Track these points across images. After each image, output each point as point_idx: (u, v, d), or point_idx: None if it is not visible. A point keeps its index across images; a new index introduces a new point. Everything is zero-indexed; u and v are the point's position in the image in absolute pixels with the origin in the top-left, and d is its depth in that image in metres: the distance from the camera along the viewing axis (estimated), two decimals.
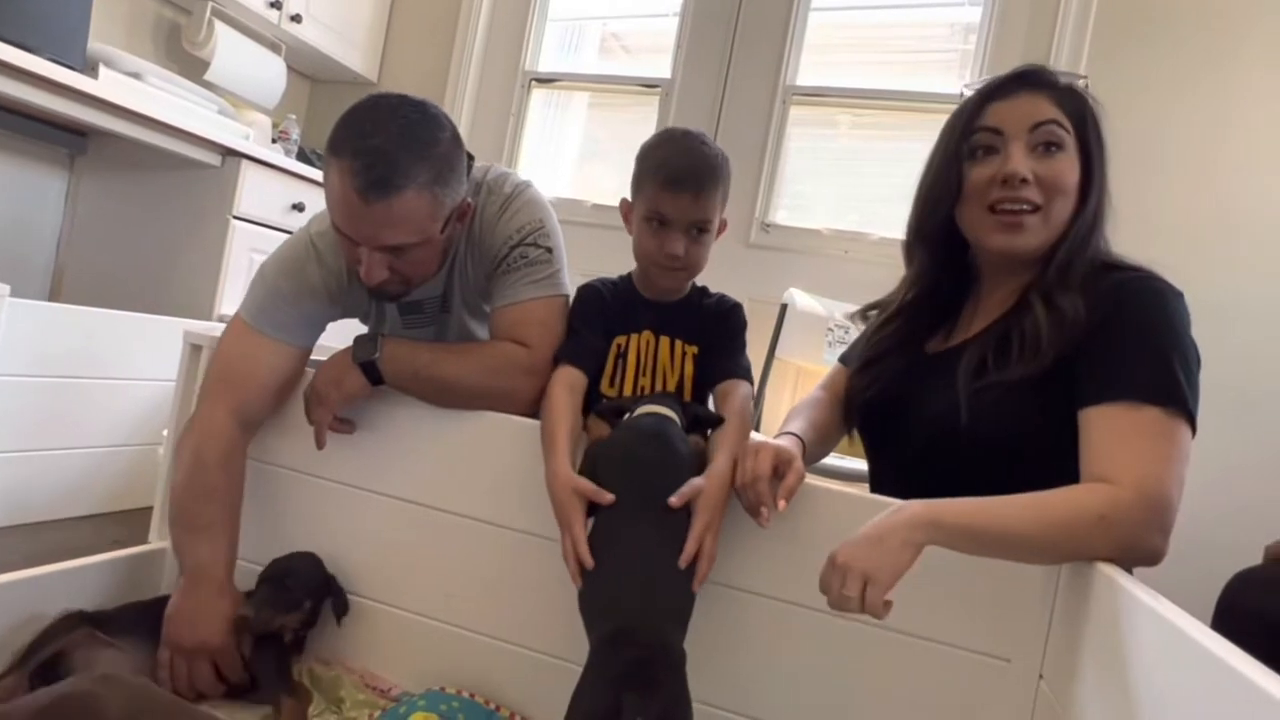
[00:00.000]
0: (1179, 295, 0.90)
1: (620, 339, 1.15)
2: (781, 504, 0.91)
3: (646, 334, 1.15)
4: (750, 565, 0.98)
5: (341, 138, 0.99)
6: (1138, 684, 0.63)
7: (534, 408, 1.12)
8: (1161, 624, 0.60)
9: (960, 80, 2.48)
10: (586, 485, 0.93)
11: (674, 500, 0.89)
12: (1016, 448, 0.88)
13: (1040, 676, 0.87)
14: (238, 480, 1.12)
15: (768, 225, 2.60)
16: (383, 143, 0.97)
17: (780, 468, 0.93)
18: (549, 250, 1.16)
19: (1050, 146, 0.93)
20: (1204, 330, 0.89)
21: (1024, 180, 0.92)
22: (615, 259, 1.20)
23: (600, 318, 1.15)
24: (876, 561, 0.74)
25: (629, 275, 1.19)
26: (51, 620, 0.98)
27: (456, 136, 1.06)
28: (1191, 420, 0.82)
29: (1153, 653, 0.62)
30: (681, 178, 1.05)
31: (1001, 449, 0.88)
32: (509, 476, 1.09)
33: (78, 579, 1.09)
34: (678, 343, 1.15)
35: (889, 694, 0.93)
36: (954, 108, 1.03)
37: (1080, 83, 0.97)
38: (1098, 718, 0.70)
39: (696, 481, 0.92)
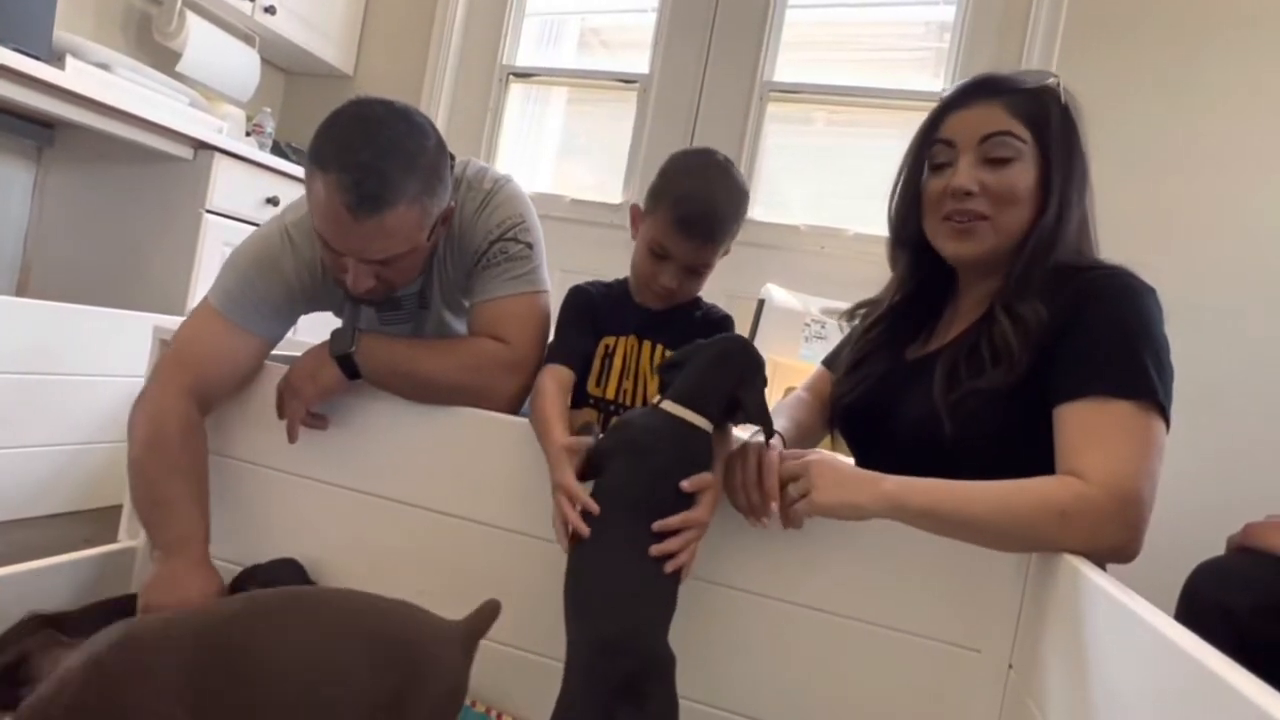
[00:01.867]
0: (1151, 291, 0.91)
1: (609, 339, 1.14)
2: (774, 506, 0.91)
3: (632, 337, 1.14)
4: (723, 557, 0.98)
5: (328, 150, 0.97)
6: (1102, 673, 0.64)
7: (513, 404, 1.12)
8: (1123, 613, 0.61)
9: (935, 77, 2.50)
10: (584, 443, 0.93)
11: (686, 485, 0.87)
12: (999, 454, 0.88)
13: (1010, 666, 0.88)
14: (199, 453, 1.09)
15: (745, 221, 2.60)
16: (372, 158, 0.95)
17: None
18: (529, 245, 1.16)
19: (1000, 160, 0.94)
20: (1175, 327, 0.90)
21: (969, 193, 0.95)
22: (592, 254, 1.21)
23: (589, 319, 1.14)
24: (834, 494, 0.83)
25: (624, 280, 1.18)
26: (13, 624, 0.96)
27: (441, 143, 1.05)
28: (1165, 414, 0.83)
29: (1115, 642, 0.63)
30: (694, 223, 1.03)
31: (985, 456, 0.89)
32: (487, 473, 1.08)
33: (46, 578, 1.07)
34: (659, 348, 1.14)
35: (860, 684, 0.94)
36: (929, 105, 1.04)
37: (1051, 81, 0.97)
38: (1065, 706, 0.71)
39: (708, 476, 0.89)
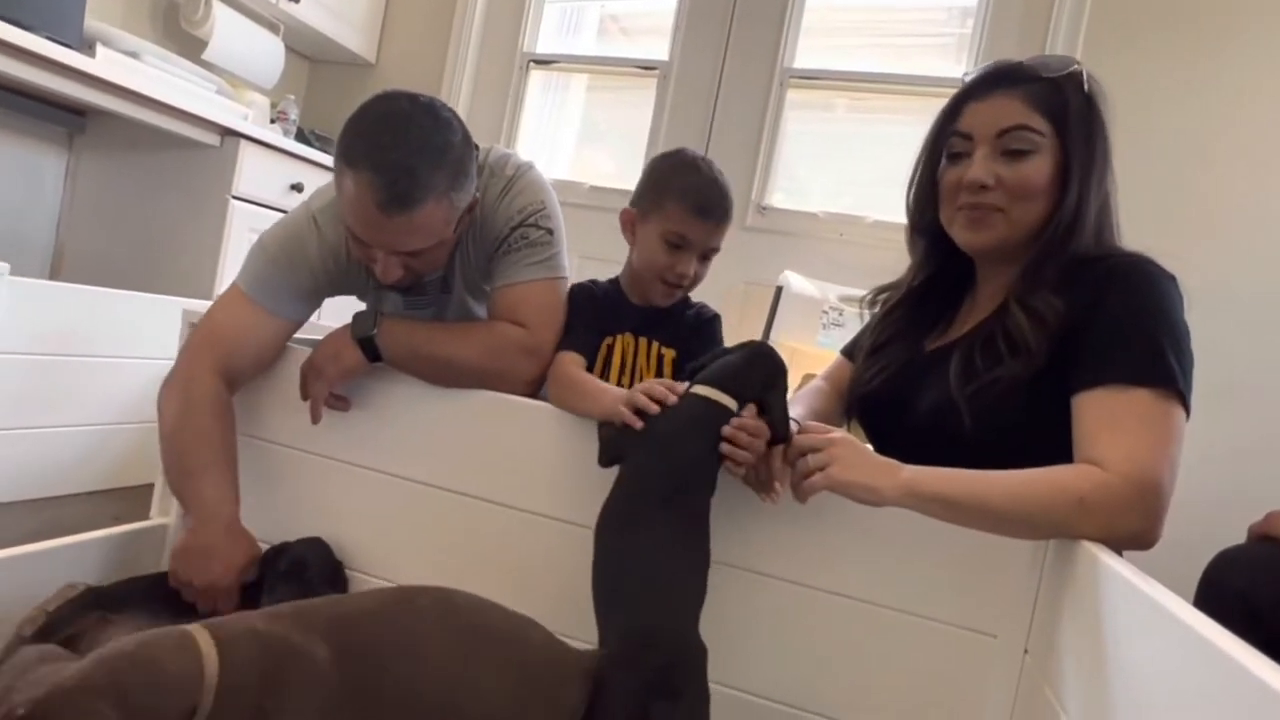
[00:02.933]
0: (1171, 278, 0.89)
1: (608, 338, 1.17)
2: (778, 486, 0.91)
3: (629, 335, 1.17)
4: (743, 542, 0.98)
5: (358, 148, 0.98)
6: (1119, 658, 0.64)
7: (530, 388, 1.12)
8: (1142, 599, 0.61)
9: (956, 63, 2.47)
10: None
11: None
12: (1017, 445, 0.87)
13: (1025, 651, 0.87)
14: (228, 424, 1.11)
15: (764, 208, 2.59)
16: (402, 157, 0.97)
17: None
18: (549, 232, 1.16)
19: (1016, 152, 0.93)
20: (1196, 316, 0.89)
21: (984, 186, 0.94)
22: (611, 241, 1.21)
23: (594, 314, 1.16)
24: (853, 473, 0.82)
25: (615, 280, 1.21)
26: (62, 598, 0.98)
27: (467, 137, 1.05)
28: (1184, 401, 0.82)
29: (1133, 628, 0.62)
30: (710, 207, 1.10)
31: (1002, 448, 0.87)
32: (508, 456, 1.09)
33: (79, 554, 1.09)
34: (655, 344, 1.17)
35: (876, 668, 0.94)
36: (950, 91, 1.03)
37: (1074, 68, 0.95)
38: (1080, 691, 0.71)
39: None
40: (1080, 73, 0.95)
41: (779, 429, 0.91)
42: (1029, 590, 0.87)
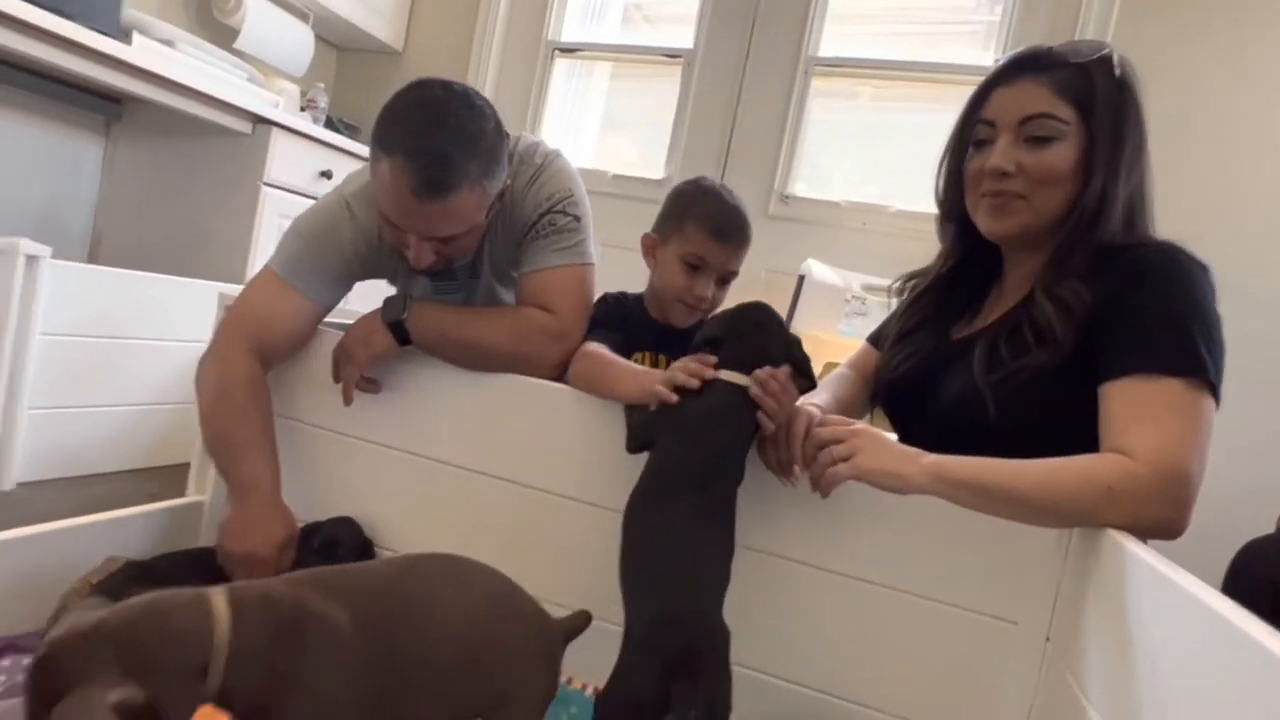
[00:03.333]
0: (1203, 267, 0.88)
1: (636, 354, 1.19)
2: (798, 470, 0.92)
3: (648, 352, 1.19)
4: (767, 526, 0.98)
5: (393, 134, 1.00)
6: (1144, 646, 0.64)
7: (556, 372, 1.13)
8: (1168, 586, 0.60)
9: (984, 51, 2.43)
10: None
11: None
12: (1043, 435, 0.86)
13: (1047, 639, 0.87)
14: (265, 402, 1.13)
15: (786, 197, 2.57)
16: (437, 144, 0.98)
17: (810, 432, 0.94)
18: (576, 219, 1.17)
19: (1039, 139, 0.92)
20: (1231, 304, 0.88)
21: (1005, 173, 0.93)
22: (634, 229, 1.21)
23: (620, 322, 1.18)
24: (879, 461, 0.82)
25: (640, 296, 1.24)
26: (104, 571, 1.01)
27: (499, 125, 1.07)
28: (1215, 391, 0.81)
29: (1159, 615, 0.62)
30: (731, 231, 1.13)
31: (1028, 437, 0.86)
32: (534, 438, 1.10)
33: (120, 529, 1.12)
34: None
35: (897, 653, 0.94)
36: (977, 79, 1.02)
37: (1104, 53, 0.93)
38: (1103, 678, 0.70)
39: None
40: (1111, 56, 0.93)
41: (808, 379, 0.96)
42: (1052, 577, 0.87)
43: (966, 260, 1.07)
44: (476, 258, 1.22)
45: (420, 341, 1.12)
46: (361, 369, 1.13)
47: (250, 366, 1.12)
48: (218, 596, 0.68)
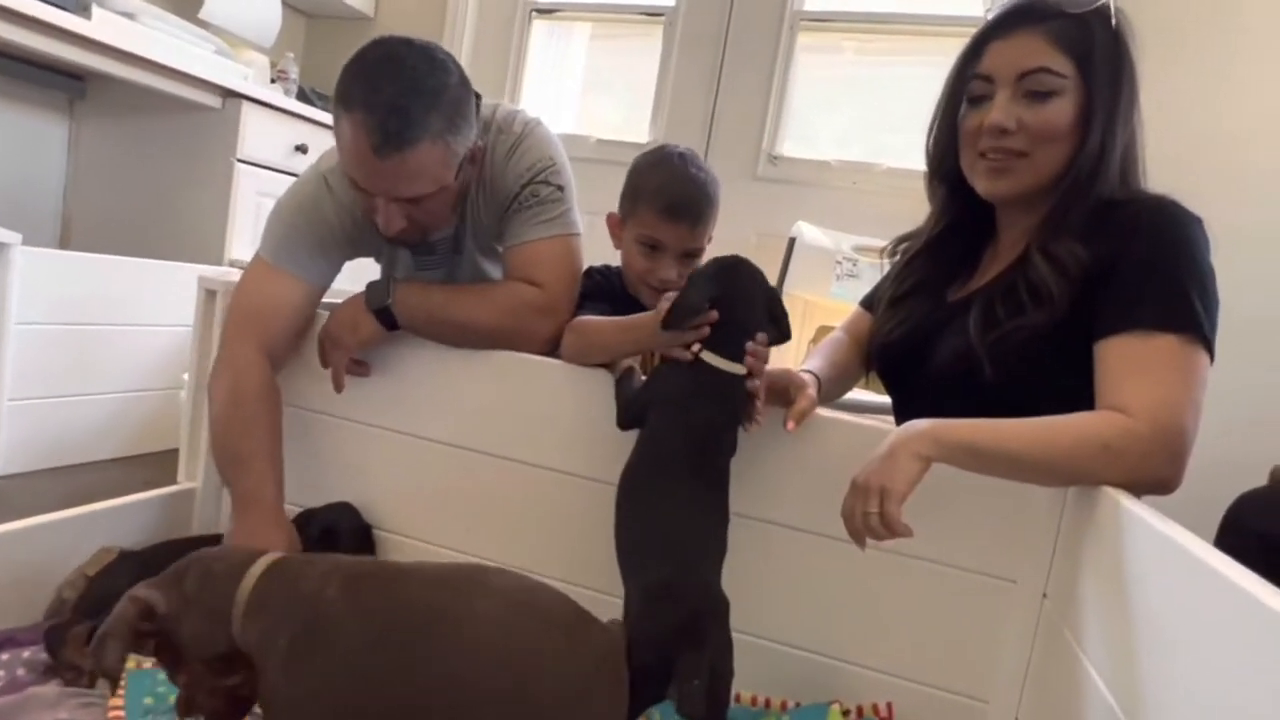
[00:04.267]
0: (1196, 220, 0.88)
1: None
2: (790, 425, 0.93)
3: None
4: (765, 494, 1.00)
5: (351, 90, 0.98)
6: (1141, 601, 0.65)
7: (546, 347, 1.13)
8: (1164, 542, 0.62)
9: (973, 1, 2.40)
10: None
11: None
12: (1039, 395, 0.86)
13: (1044, 596, 0.89)
14: (275, 411, 1.12)
15: (775, 157, 2.56)
16: (393, 96, 0.96)
17: (791, 391, 0.95)
18: (560, 189, 1.15)
19: (1038, 94, 0.91)
20: (1223, 255, 0.88)
21: (1006, 130, 0.92)
22: (618, 195, 1.18)
23: (607, 294, 1.16)
24: (889, 475, 0.78)
25: (620, 270, 1.20)
26: (99, 562, 1.01)
27: (464, 79, 1.04)
28: (1209, 346, 0.82)
29: (1155, 570, 0.64)
30: (680, 208, 1.07)
31: (1024, 398, 0.87)
32: (528, 413, 1.10)
33: (111, 518, 1.12)
34: None
35: (895, 614, 0.96)
36: (966, 30, 1.01)
37: (1101, 3, 0.92)
38: (1101, 633, 0.72)
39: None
40: (1108, 7, 0.92)
41: (783, 335, 0.96)
42: (1048, 535, 0.89)
43: (959, 221, 1.07)
44: (459, 231, 1.21)
45: (408, 324, 1.12)
46: (349, 354, 1.13)
47: (261, 372, 1.12)
48: (261, 560, 0.73)
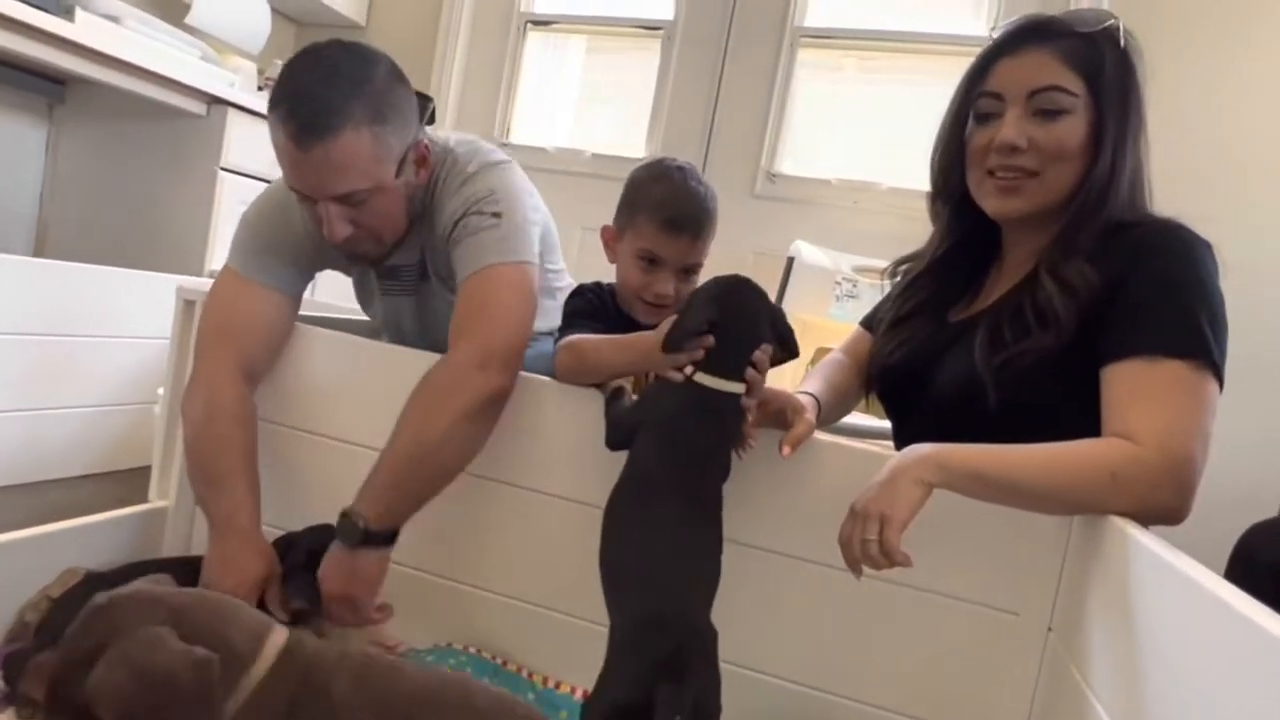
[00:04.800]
0: (1205, 244, 0.89)
1: None
2: (786, 450, 0.92)
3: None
4: (759, 520, 0.99)
5: (275, 92, 1.01)
6: (1148, 634, 0.65)
7: (503, 395, 1.04)
8: (1173, 574, 0.62)
9: (976, 19, 2.43)
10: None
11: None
12: (1044, 421, 0.87)
13: (1049, 629, 0.89)
14: (250, 429, 1.11)
15: (774, 175, 2.57)
16: (309, 86, 0.98)
17: (789, 414, 0.94)
18: (495, 215, 1.08)
19: (1049, 113, 0.92)
20: (1230, 285, 0.89)
21: (1016, 148, 0.93)
22: (613, 212, 1.18)
23: (599, 312, 1.13)
24: (889, 501, 0.77)
25: (612, 287, 1.17)
26: (63, 584, 0.99)
27: (394, 72, 1.05)
28: (1218, 373, 0.82)
29: (1164, 602, 0.63)
30: (681, 222, 1.06)
31: (1029, 424, 0.87)
32: (517, 434, 1.09)
33: (79, 538, 1.10)
34: None
35: (896, 647, 0.96)
36: (970, 49, 1.02)
37: (1109, 24, 0.94)
38: (1108, 668, 0.72)
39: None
40: (1116, 27, 0.93)
41: (789, 354, 0.94)
42: (1053, 566, 0.88)
43: (962, 241, 1.07)
44: (422, 258, 1.19)
45: (398, 523, 0.99)
46: (373, 601, 1.01)
47: (236, 389, 1.10)
48: (280, 630, 0.72)
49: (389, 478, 0.98)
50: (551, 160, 2.74)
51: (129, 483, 1.71)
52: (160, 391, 1.37)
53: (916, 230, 1.16)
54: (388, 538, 0.99)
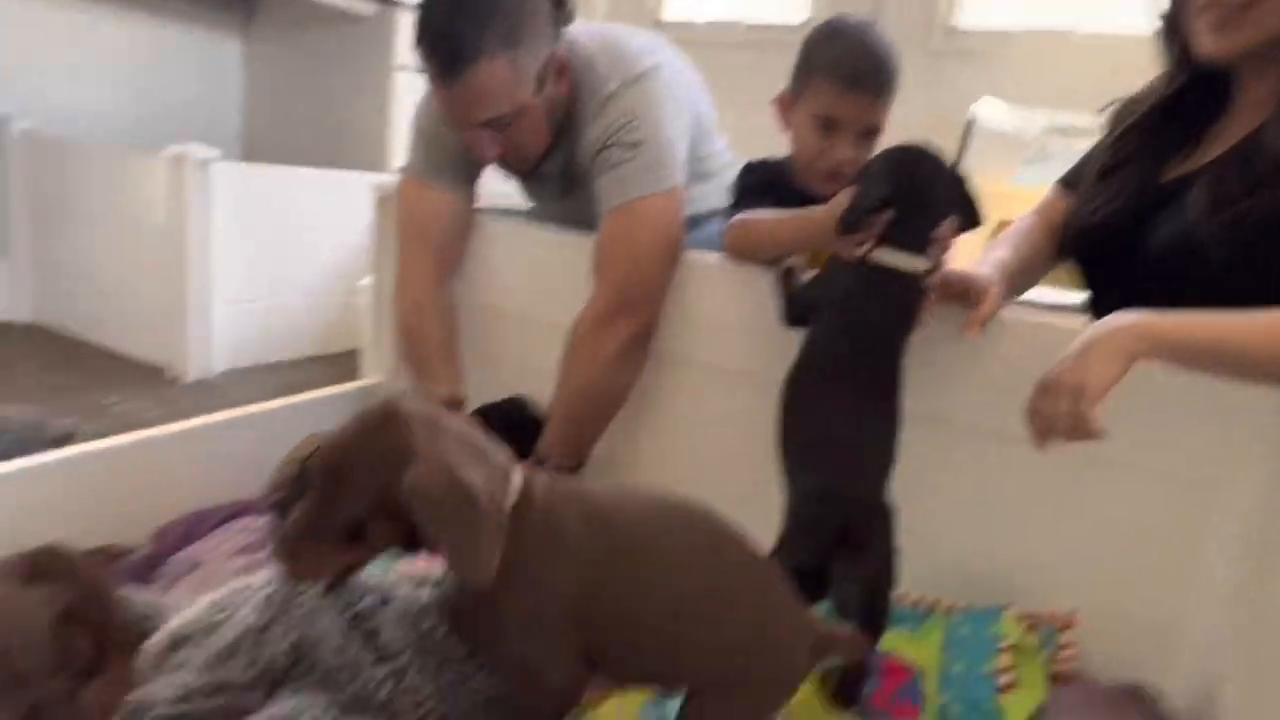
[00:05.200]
0: None
1: None
2: (971, 333, 0.90)
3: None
4: (938, 394, 0.97)
5: (416, 27, 1.04)
6: None
7: (646, 332, 1.11)
8: None
9: None
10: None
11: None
12: (1270, 286, 0.79)
13: (1258, 506, 0.84)
14: (450, 320, 1.24)
15: (951, 27, 2.37)
16: (442, 22, 1.00)
17: (972, 295, 0.91)
18: (635, 145, 1.08)
19: None
20: None
21: None
22: (774, 87, 1.12)
23: (769, 189, 1.09)
24: (1083, 372, 0.74)
25: (784, 162, 1.12)
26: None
27: None
28: None
29: None
30: (862, 78, 1.01)
31: (1253, 287, 0.79)
32: (687, 311, 1.13)
33: (315, 409, 1.28)
34: None
35: (1083, 521, 0.94)
36: None
37: None
38: None
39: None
40: None
41: (971, 221, 0.91)
42: (1268, 441, 0.83)
43: (1188, 88, 0.96)
44: (568, 168, 1.21)
45: (577, 456, 1.12)
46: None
47: (429, 286, 1.22)
48: (518, 470, 0.73)
49: (561, 423, 1.10)
50: (702, 34, 2.64)
51: (340, 365, 1.95)
52: (362, 282, 1.53)
53: (1119, 83, 1.05)
54: (573, 469, 1.11)
